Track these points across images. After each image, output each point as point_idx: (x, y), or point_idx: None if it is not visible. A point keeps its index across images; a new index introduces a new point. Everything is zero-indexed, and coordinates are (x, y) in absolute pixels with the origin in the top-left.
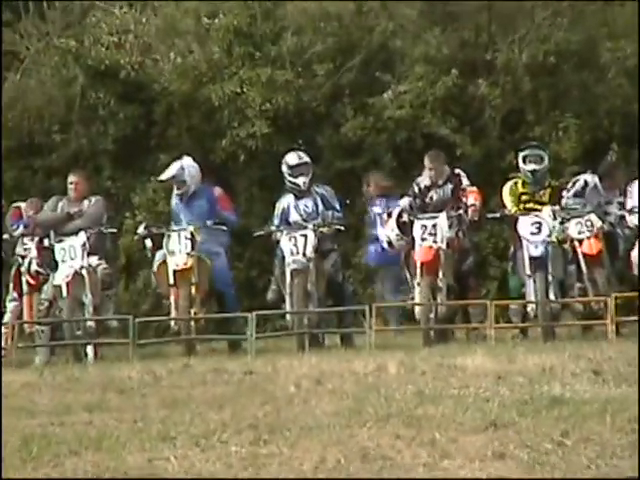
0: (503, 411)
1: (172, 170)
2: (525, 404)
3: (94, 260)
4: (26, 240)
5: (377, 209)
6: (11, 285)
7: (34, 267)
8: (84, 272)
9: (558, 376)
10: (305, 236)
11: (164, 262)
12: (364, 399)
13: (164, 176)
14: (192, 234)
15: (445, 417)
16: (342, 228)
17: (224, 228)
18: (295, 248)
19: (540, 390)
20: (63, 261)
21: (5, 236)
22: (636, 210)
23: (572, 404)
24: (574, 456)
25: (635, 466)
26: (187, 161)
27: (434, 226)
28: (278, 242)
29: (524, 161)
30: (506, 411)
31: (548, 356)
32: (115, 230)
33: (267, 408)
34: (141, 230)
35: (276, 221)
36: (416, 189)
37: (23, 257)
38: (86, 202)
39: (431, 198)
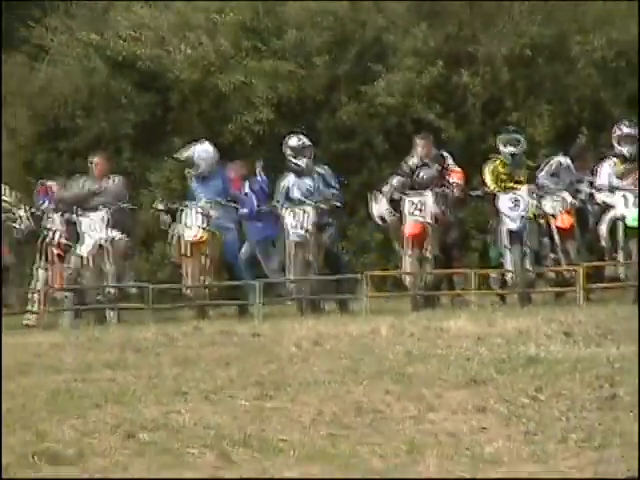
0: (483, 369)
1: (186, 152)
2: (503, 363)
3: (115, 233)
4: (52, 214)
5: (256, 187)
6: (38, 255)
7: (61, 239)
8: (106, 244)
9: (533, 337)
10: (305, 212)
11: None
12: (358, 358)
13: (178, 155)
14: (206, 210)
15: (431, 374)
16: (339, 204)
17: (235, 205)
18: (296, 222)
19: (517, 350)
20: (87, 234)
21: (33, 210)
22: (604, 188)
23: (545, 363)
24: (547, 409)
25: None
26: (202, 146)
27: (422, 202)
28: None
29: (504, 144)
30: (486, 369)
31: (524, 320)
32: (135, 206)
33: (271, 366)
34: (161, 205)
35: (279, 198)
36: (406, 168)
37: (49, 229)
38: (108, 181)
39: (419, 176)
